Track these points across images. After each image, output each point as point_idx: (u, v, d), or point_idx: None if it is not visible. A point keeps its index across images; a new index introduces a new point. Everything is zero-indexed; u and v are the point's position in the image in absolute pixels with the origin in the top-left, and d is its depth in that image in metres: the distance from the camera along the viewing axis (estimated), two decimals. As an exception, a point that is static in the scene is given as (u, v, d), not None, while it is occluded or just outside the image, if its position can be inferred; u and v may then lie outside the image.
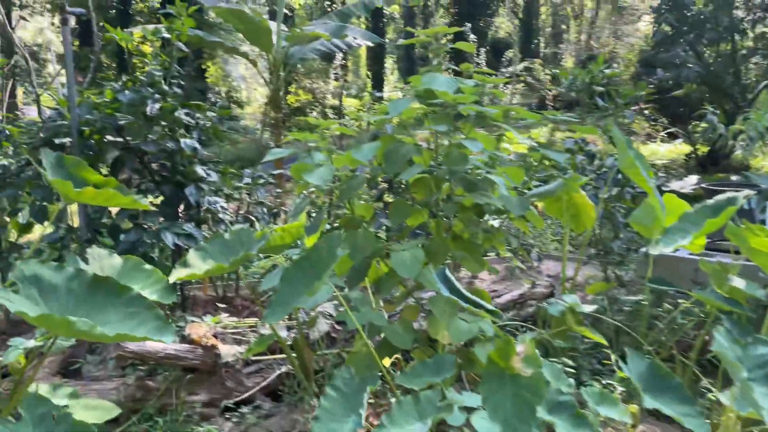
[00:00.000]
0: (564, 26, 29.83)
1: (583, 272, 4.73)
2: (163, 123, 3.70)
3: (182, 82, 3.91)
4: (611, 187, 3.94)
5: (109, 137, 3.64)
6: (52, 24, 21.37)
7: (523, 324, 3.67)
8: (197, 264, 2.74)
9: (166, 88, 3.66)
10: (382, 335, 2.54)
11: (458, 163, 2.48)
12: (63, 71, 3.45)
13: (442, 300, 2.37)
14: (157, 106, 3.50)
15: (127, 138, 3.61)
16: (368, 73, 26.53)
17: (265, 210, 4.30)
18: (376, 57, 25.62)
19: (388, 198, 4.23)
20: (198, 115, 3.95)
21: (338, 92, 24.87)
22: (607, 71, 4.16)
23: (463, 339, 2.35)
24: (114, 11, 20.61)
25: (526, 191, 3.58)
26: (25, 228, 3.94)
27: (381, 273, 2.83)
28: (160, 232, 3.46)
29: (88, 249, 2.62)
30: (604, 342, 2.81)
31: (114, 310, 1.99)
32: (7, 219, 3.80)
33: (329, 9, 23.92)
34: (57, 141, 3.44)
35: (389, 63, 29.08)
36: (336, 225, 3.02)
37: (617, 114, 4.05)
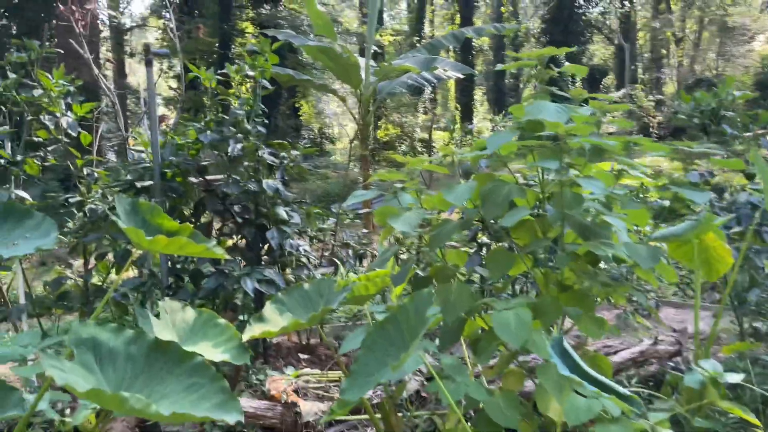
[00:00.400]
0: (664, 50, 28.33)
1: (707, 322, 4.10)
2: (246, 163, 3.54)
3: (267, 121, 3.76)
4: (746, 227, 3.36)
5: (193, 179, 3.53)
6: (161, 70, 22.81)
7: (645, 388, 3.14)
8: (274, 319, 2.48)
9: (248, 127, 3.51)
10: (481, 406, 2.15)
11: (572, 205, 2.08)
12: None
13: (554, 371, 1.95)
14: (239, 146, 3.34)
15: (209, 179, 3.48)
16: (457, 105, 26.31)
17: (350, 252, 4.05)
18: (465, 89, 25.39)
19: (481, 236, 3.85)
20: (282, 154, 3.78)
21: (427, 125, 24.80)
22: (737, 93, 3.60)
23: (581, 420, 1.92)
24: (215, 55, 21.74)
25: (636, 227, 3.09)
26: (117, 270, 3.89)
27: (477, 327, 2.46)
28: (241, 278, 3.26)
29: (159, 302, 2.43)
30: (757, 422, 2.26)
31: (175, 381, 1.75)
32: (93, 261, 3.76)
33: (418, 44, 24.07)
34: (139, 184, 3.35)
35: (478, 95, 28.75)
36: (425, 274, 2.70)
37: (753, 141, 3.47)
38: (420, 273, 2.87)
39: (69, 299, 3.62)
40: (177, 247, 2.48)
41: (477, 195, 2.29)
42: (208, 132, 3.33)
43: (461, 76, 9.12)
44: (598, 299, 2.50)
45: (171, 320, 2.43)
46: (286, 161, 3.69)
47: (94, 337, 1.78)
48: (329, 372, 3.57)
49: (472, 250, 3.50)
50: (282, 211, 3.43)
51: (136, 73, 26.64)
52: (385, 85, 8.37)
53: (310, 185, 13.09)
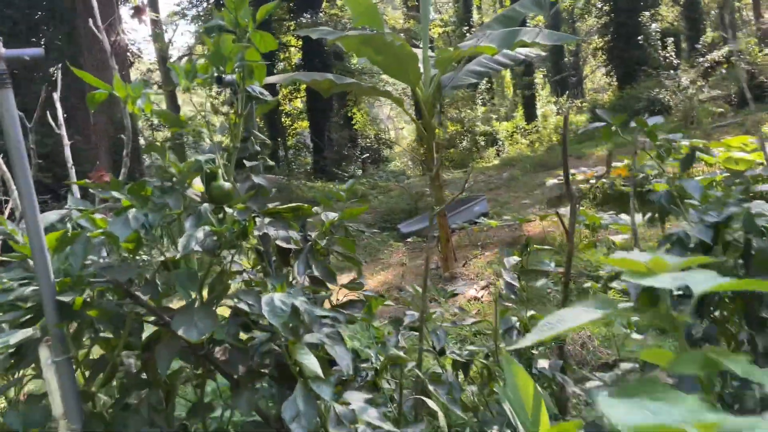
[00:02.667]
0: (737, 3, 24.82)
1: None
2: (232, 256, 1.69)
3: (271, 163, 1.90)
4: None
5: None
6: (212, 96, 21.45)
7: None
8: None
9: (226, 186, 1.66)
10: None
11: None
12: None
13: None
14: (201, 234, 1.48)
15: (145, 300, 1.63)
16: (517, 91, 23.84)
17: (449, 372, 2.13)
18: (522, 74, 22.87)
19: None
20: (313, 218, 1.90)
21: (487, 117, 22.53)
22: None
23: None
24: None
25: None
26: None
27: None
28: None
29: None
30: None
31: None
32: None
33: (468, 33, 21.83)
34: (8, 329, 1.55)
35: (538, 77, 26.12)
36: None
37: None
38: None
39: None
40: None
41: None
42: (131, 212, 1.48)
43: (556, 45, 7.03)
44: None
45: None
46: (312, 238, 1.80)
47: None
48: None
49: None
50: (308, 358, 1.54)
51: (190, 102, 25.71)
52: (448, 78, 6.40)
53: (371, 202, 11.20)
